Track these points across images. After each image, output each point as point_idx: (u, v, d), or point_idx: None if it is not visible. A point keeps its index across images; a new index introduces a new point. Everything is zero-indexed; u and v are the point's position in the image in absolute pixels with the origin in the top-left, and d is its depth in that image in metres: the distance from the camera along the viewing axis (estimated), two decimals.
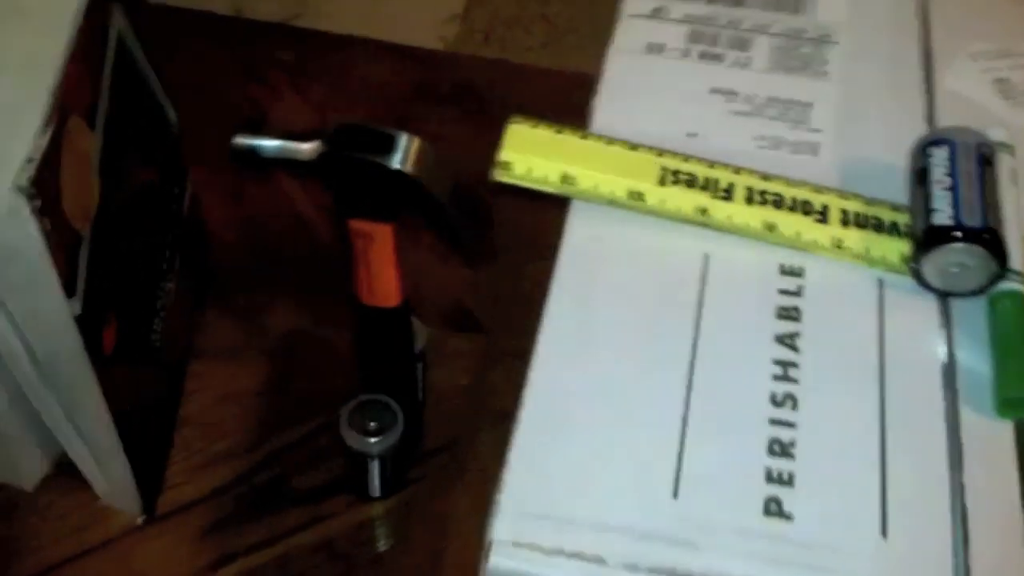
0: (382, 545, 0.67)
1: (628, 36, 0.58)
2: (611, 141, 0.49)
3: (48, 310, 0.51)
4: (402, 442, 0.64)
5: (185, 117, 0.70)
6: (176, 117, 0.69)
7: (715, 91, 0.55)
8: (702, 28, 0.58)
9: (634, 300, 0.45)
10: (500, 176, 0.47)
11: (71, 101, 0.49)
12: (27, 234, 0.46)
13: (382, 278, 0.57)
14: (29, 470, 0.67)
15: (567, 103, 0.92)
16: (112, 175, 0.55)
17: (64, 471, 0.68)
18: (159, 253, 0.66)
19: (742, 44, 0.57)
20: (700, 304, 0.45)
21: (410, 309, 0.61)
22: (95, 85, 0.54)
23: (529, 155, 0.48)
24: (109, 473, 0.64)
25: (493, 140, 0.88)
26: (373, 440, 0.63)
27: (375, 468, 0.65)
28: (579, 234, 0.48)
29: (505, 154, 0.48)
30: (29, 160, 0.45)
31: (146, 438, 0.65)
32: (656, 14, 0.59)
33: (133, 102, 0.60)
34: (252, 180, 0.85)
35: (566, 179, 0.47)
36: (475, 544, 0.39)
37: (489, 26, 1.76)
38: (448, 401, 0.73)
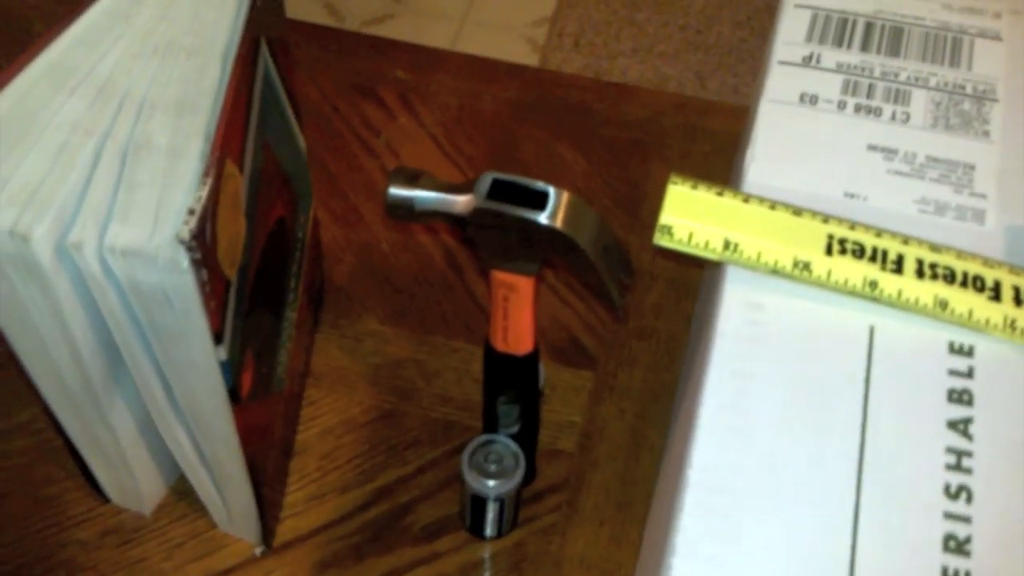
0: None
1: (780, 85, 0.57)
2: (774, 205, 0.48)
3: (195, 356, 0.51)
4: (522, 486, 0.63)
5: None
6: (305, 143, 0.69)
7: (873, 148, 0.53)
8: (857, 78, 0.56)
9: (797, 374, 0.44)
10: (661, 241, 0.46)
11: (226, 144, 0.49)
12: (183, 284, 0.46)
13: (518, 327, 0.56)
14: (149, 496, 0.67)
15: (674, 125, 0.91)
16: (254, 214, 0.55)
17: (181, 497, 0.69)
18: (285, 283, 0.66)
19: (899, 97, 0.55)
20: (867, 382, 0.44)
21: (539, 355, 0.60)
22: (245, 123, 0.53)
23: (690, 219, 0.47)
24: (232, 504, 0.64)
25: (602, 164, 0.87)
26: (494, 483, 0.62)
27: (493, 509, 0.64)
28: (737, 301, 0.47)
29: (666, 217, 0.47)
30: (191, 212, 0.45)
31: (267, 468, 0.65)
32: (807, 62, 0.58)
33: (274, 134, 0.60)
34: (365, 201, 0.85)
35: (729, 246, 0.46)
36: None
37: (578, 30, 1.75)
38: (560, 439, 0.72)
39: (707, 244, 0.46)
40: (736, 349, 0.45)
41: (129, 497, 0.67)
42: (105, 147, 0.49)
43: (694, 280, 0.80)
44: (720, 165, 0.88)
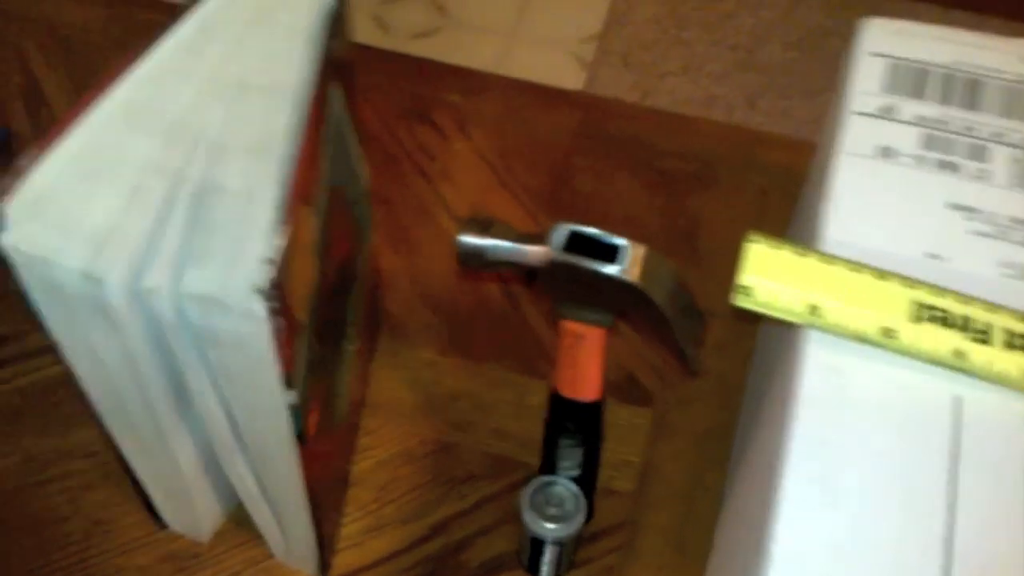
0: None
1: (856, 137, 0.56)
2: (857, 268, 0.47)
3: (264, 400, 0.50)
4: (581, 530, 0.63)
5: None
6: (367, 173, 0.68)
7: (954, 206, 0.52)
8: (935, 132, 0.55)
9: (881, 445, 0.43)
10: (742, 302, 0.46)
11: (301, 189, 0.49)
12: (258, 331, 0.46)
13: (586, 375, 0.56)
14: (206, 523, 0.67)
15: (730, 157, 0.90)
16: (322, 253, 0.55)
17: (238, 525, 0.69)
18: (346, 315, 0.66)
19: (980, 154, 0.54)
20: (955, 456, 0.43)
21: (605, 403, 0.59)
22: (317, 164, 0.53)
23: (771, 280, 0.46)
24: (291, 536, 0.64)
25: (659, 196, 0.86)
26: (554, 526, 0.62)
27: (551, 552, 0.64)
28: (818, 365, 0.46)
29: (746, 277, 0.46)
30: (269, 261, 0.45)
31: (327, 501, 0.65)
32: (885, 113, 0.57)
33: (342, 167, 0.60)
34: (420, 228, 0.85)
35: (812, 310, 0.45)
36: None
37: (627, 48, 1.74)
38: (616, 478, 0.71)
39: (790, 308, 0.45)
40: (818, 416, 0.44)
41: (187, 523, 0.67)
42: (179, 189, 0.49)
43: (750, 322, 0.79)
44: (776, 200, 0.87)
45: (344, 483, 0.70)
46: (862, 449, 0.43)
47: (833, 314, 0.45)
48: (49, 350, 0.76)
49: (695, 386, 0.76)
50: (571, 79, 1.53)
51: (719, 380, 0.76)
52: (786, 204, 0.87)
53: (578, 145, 0.91)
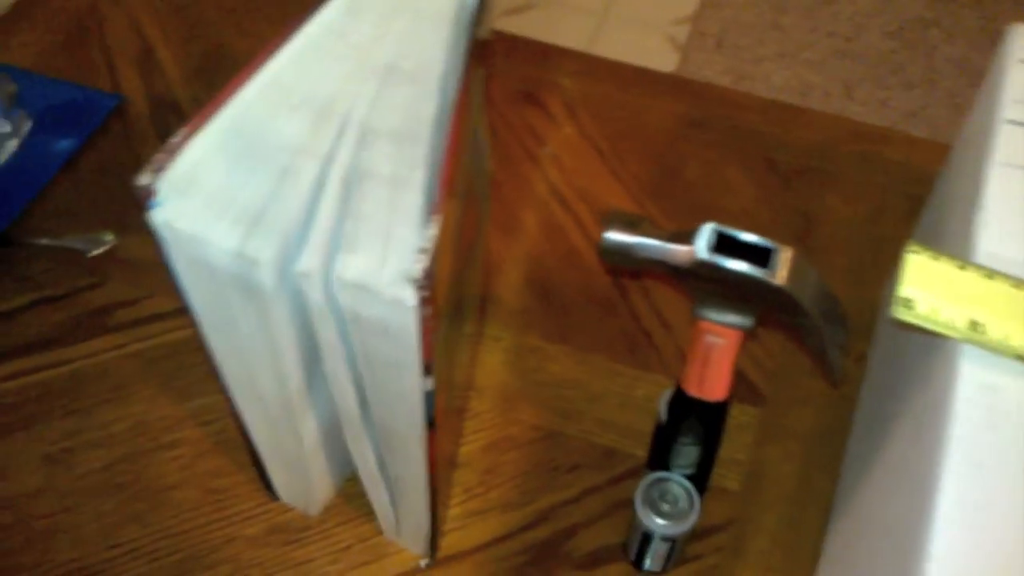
0: None
1: (1009, 147, 0.54)
2: (1019, 283, 0.45)
3: (403, 386, 0.51)
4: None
5: None
6: (490, 157, 0.68)
7: None
8: None
9: None
10: (902, 314, 0.45)
11: (447, 176, 0.49)
12: (406, 319, 0.46)
13: (717, 376, 0.55)
14: (318, 497, 0.68)
15: (848, 153, 0.88)
16: (458, 240, 0.55)
17: (347, 500, 0.69)
18: (465, 298, 0.66)
19: None
20: None
21: (731, 403, 0.59)
22: (462, 151, 0.53)
23: (932, 293, 0.45)
24: (404, 516, 0.64)
25: (771, 190, 0.85)
26: (666, 523, 0.62)
27: (662, 547, 0.63)
28: (973, 383, 0.45)
29: (906, 289, 0.45)
30: (422, 251, 0.45)
31: (441, 482, 0.65)
32: None
33: (475, 154, 0.60)
34: (529, 212, 0.84)
35: (973, 327, 0.44)
36: None
37: (721, 31, 1.71)
38: (725, 477, 0.70)
39: (951, 323, 0.44)
40: (973, 437, 0.43)
41: (299, 497, 0.68)
42: (329, 173, 0.49)
43: (867, 319, 0.77)
44: (894, 200, 0.85)
45: (452, 465, 0.70)
46: (1018, 471, 0.42)
47: (995, 331, 0.44)
48: (161, 317, 0.78)
49: (808, 386, 0.75)
50: (663, 60, 1.51)
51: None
52: (904, 204, 0.85)
53: (687, 133, 0.90)
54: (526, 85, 0.92)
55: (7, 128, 0.85)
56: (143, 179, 0.47)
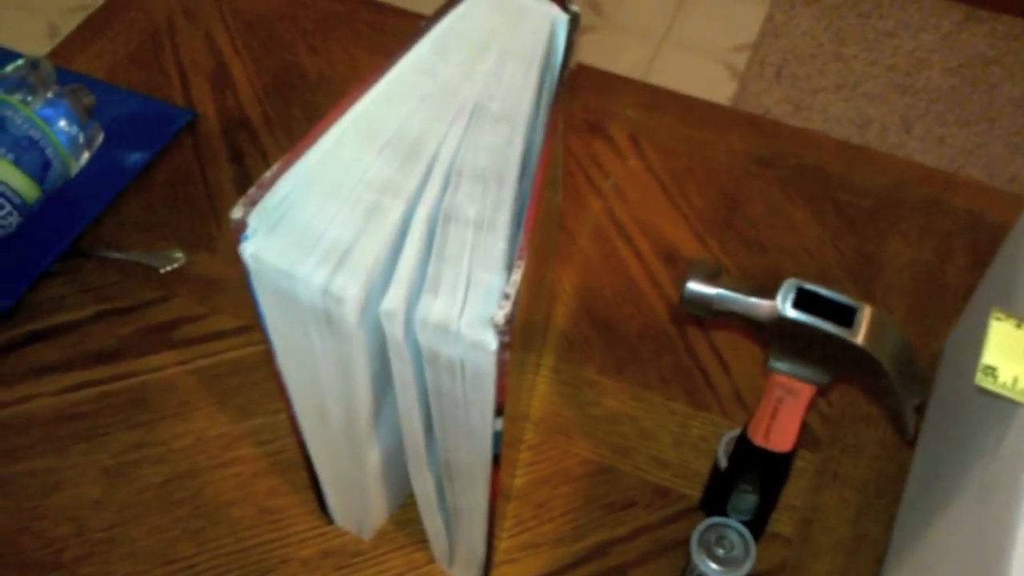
0: None
1: None
2: None
3: (473, 424, 0.51)
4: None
5: None
6: (561, 193, 0.68)
7: None
8: None
9: None
10: (984, 383, 0.44)
11: (531, 223, 0.49)
12: (484, 362, 0.47)
13: (784, 428, 0.55)
14: (372, 523, 0.69)
15: (915, 198, 0.87)
16: (533, 277, 0.55)
17: (399, 527, 0.70)
18: (533, 331, 0.66)
19: None
20: None
21: (796, 455, 0.59)
22: (544, 193, 0.53)
23: (1015, 362, 0.45)
24: (459, 547, 0.65)
25: (835, 231, 0.85)
26: (721, 569, 0.61)
27: None
28: None
29: (990, 357, 0.45)
30: (506, 296, 0.45)
31: (497, 514, 0.66)
32: None
33: (552, 192, 0.60)
34: (591, 244, 0.84)
35: None
36: None
37: (781, 61, 1.70)
38: (778, 522, 0.70)
39: None
40: None
41: (353, 521, 0.69)
42: (415, 213, 0.50)
43: (927, 368, 0.77)
44: (960, 245, 0.84)
45: (506, 497, 0.71)
46: None
47: None
48: (225, 335, 0.79)
49: (865, 434, 0.74)
50: (721, 88, 1.51)
51: (888, 431, 0.74)
52: (969, 252, 0.84)
53: (751, 169, 0.90)
54: (590, 115, 0.93)
55: (81, 139, 0.87)
56: (236, 212, 0.48)
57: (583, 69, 0.97)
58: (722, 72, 1.60)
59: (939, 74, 1.59)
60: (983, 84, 1.59)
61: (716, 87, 1.52)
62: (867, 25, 1.60)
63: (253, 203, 0.48)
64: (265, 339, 0.54)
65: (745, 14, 1.56)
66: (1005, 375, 0.45)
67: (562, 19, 0.56)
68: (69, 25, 1.01)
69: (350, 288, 0.47)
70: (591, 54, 1.56)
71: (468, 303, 0.47)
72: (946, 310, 0.80)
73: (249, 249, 0.48)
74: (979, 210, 0.86)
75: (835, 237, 0.85)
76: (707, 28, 1.64)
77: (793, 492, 0.72)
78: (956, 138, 1.51)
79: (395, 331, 0.48)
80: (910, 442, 0.72)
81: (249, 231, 0.48)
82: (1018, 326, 0.46)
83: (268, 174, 0.49)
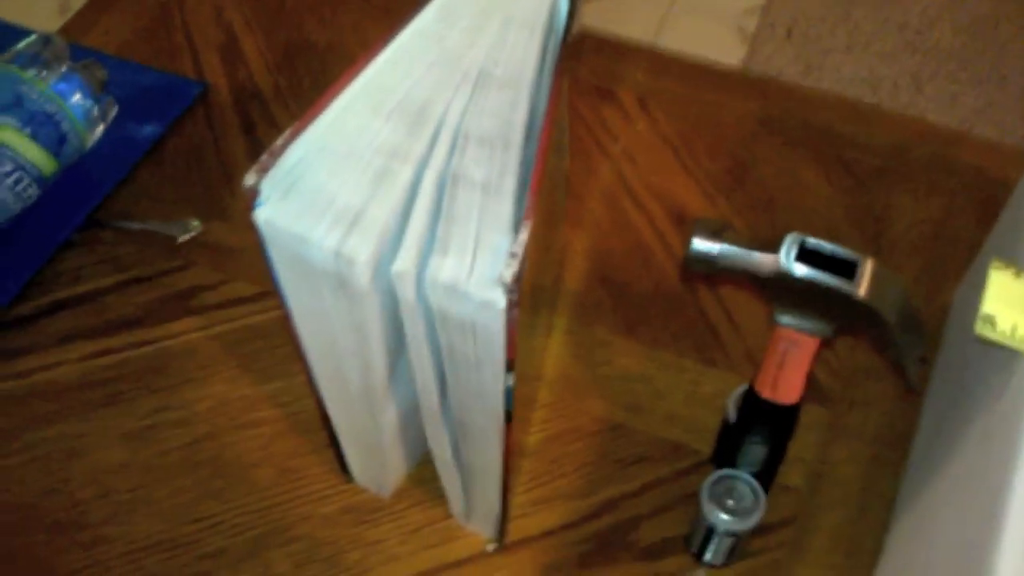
0: None
1: None
2: None
3: (485, 382, 0.53)
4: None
5: None
6: (568, 155, 0.69)
7: None
8: None
9: None
10: (984, 331, 0.45)
11: (537, 182, 0.50)
12: (493, 320, 0.48)
13: (790, 380, 0.56)
14: (391, 480, 0.71)
15: (921, 155, 0.88)
16: (538, 237, 0.57)
17: (417, 484, 0.72)
18: (542, 292, 0.67)
19: None
20: None
21: (801, 405, 0.60)
22: (548, 156, 0.54)
23: (1014, 310, 0.46)
24: (476, 502, 0.66)
25: (844, 190, 0.85)
26: (731, 519, 0.63)
27: (725, 542, 0.65)
28: None
29: (989, 306, 0.46)
30: (513, 255, 0.47)
31: (512, 470, 0.67)
32: None
33: (558, 155, 0.61)
34: (600, 206, 0.85)
35: None
36: None
37: (791, 22, 1.70)
38: (789, 474, 0.72)
39: None
40: None
41: (372, 479, 0.71)
42: (423, 177, 0.51)
43: (935, 322, 0.78)
44: (964, 203, 0.85)
45: (521, 453, 0.72)
46: None
47: None
48: (243, 301, 0.80)
49: (874, 389, 0.75)
50: (731, 50, 1.51)
51: (897, 385, 0.75)
52: (975, 208, 0.85)
53: (759, 131, 0.90)
54: (599, 79, 0.93)
55: (96, 113, 0.88)
56: (249, 180, 0.49)
57: (591, 34, 0.97)
58: (733, 35, 1.60)
59: (949, 33, 1.58)
60: (994, 43, 1.58)
61: (727, 50, 1.52)
62: None
63: (265, 170, 0.50)
64: (281, 303, 0.56)
65: None
66: (1004, 323, 0.46)
67: None
68: (79, 1, 1.02)
69: (362, 251, 0.48)
70: (601, 17, 1.56)
71: (477, 263, 0.48)
72: (955, 266, 0.81)
73: (262, 215, 0.50)
74: (984, 166, 0.87)
75: (843, 195, 0.86)
76: None
77: (803, 446, 0.73)
78: (967, 96, 1.50)
79: (406, 292, 0.49)
80: (917, 393, 0.73)
81: (262, 197, 0.50)
82: (1017, 275, 0.47)
83: (279, 141, 0.50)
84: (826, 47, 1.51)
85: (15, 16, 0.98)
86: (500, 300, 0.47)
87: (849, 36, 1.52)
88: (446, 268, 0.48)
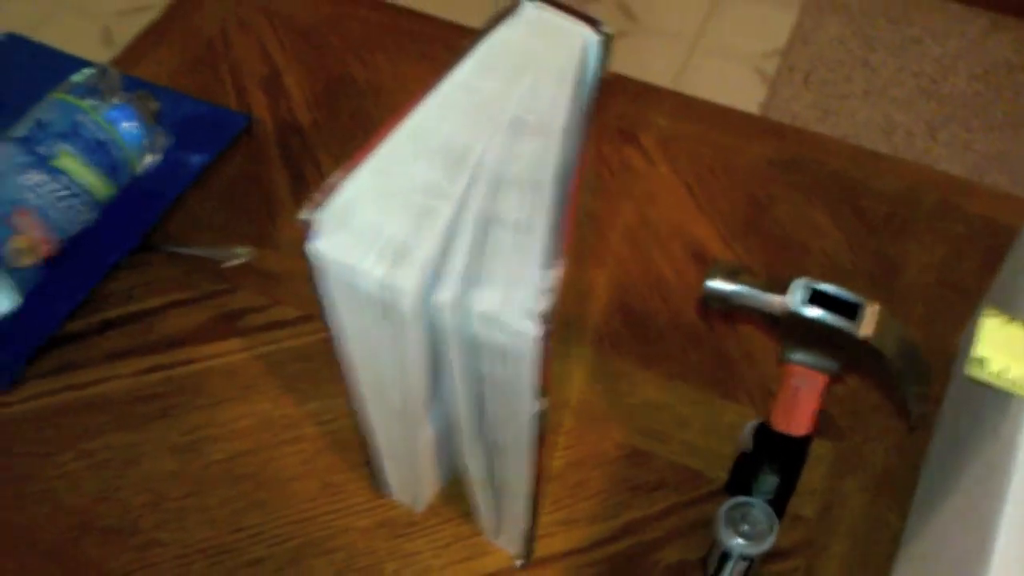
0: None
1: None
2: None
3: (517, 406, 0.57)
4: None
5: None
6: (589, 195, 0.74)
7: None
8: None
9: None
10: (974, 371, 0.49)
11: (570, 225, 0.54)
12: (525, 348, 0.52)
13: (801, 414, 0.60)
14: (424, 496, 0.75)
15: (930, 202, 0.92)
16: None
17: (448, 501, 0.76)
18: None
19: None
20: None
21: (812, 438, 0.64)
22: (579, 198, 0.59)
23: (1004, 354, 0.50)
24: (505, 520, 0.70)
25: (855, 235, 0.89)
26: (745, 543, 0.67)
27: (739, 566, 0.69)
28: None
29: (981, 349, 0.50)
30: (548, 290, 0.51)
31: (539, 492, 0.71)
32: None
33: (584, 195, 0.65)
34: (621, 242, 0.90)
35: None
36: None
37: (810, 67, 1.75)
38: (800, 504, 0.75)
39: (1021, 381, 0.49)
40: None
41: (407, 495, 0.75)
42: (463, 215, 0.55)
43: (942, 365, 0.81)
44: (973, 250, 0.89)
45: (547, 478, 0.76)
46: None
47: None
48: (287, 324, 0.85)
49: (885, 424, 0.79)
50: (751, 92, 1.56)
51: (903, 421, 0.79)
52: (982, 255, 0.89)
53: (775, 174, 0.94)
54: (622, 122, 0.98)
55: (146, 141, 0.93)
56: (304, 214, 0.54)
57: (615, 77, 1.02)
58: (753, 77, 1.65)
59: (964, 80, 1.62)
60: (1008, 91, 1.62)
61: (747, 92, 1.57)
62: (894, 32, 1.64)
63: (318, 205, 0.54)
64: (327, 328, 0.60)
65: (775, 20, 1.60)
66: (994, 366, 0.50)
67: (594, 40, 0.61)
68: (122, 28, 1.08)
69: (407, 281, 0.53)
70: (623, 58, 1.61)
71: (511, 296, 0.52)
72: (962, 310, 0.85)
73: (316, 247, 0.54)
74: (992, 215, 0.91)
75: (855, 240, 0.90)
76: (738, 34, 1.69)
77: (815, 477, 0.77)
78: (981, 144, 1.54)
79: (446, 320, 0.54)
80: (917, 428, 0.76)
81: (316, 230, 0.54)
82: (1008, 322, 0.51)
83: (331, 179, 0.55)
84: (843, 92, 1.55)
85: (58, 42, 1.03)
86: (533, 330, 0.51)
87: (866, 82, 1.56)
88: (484, 299, 0.53)
